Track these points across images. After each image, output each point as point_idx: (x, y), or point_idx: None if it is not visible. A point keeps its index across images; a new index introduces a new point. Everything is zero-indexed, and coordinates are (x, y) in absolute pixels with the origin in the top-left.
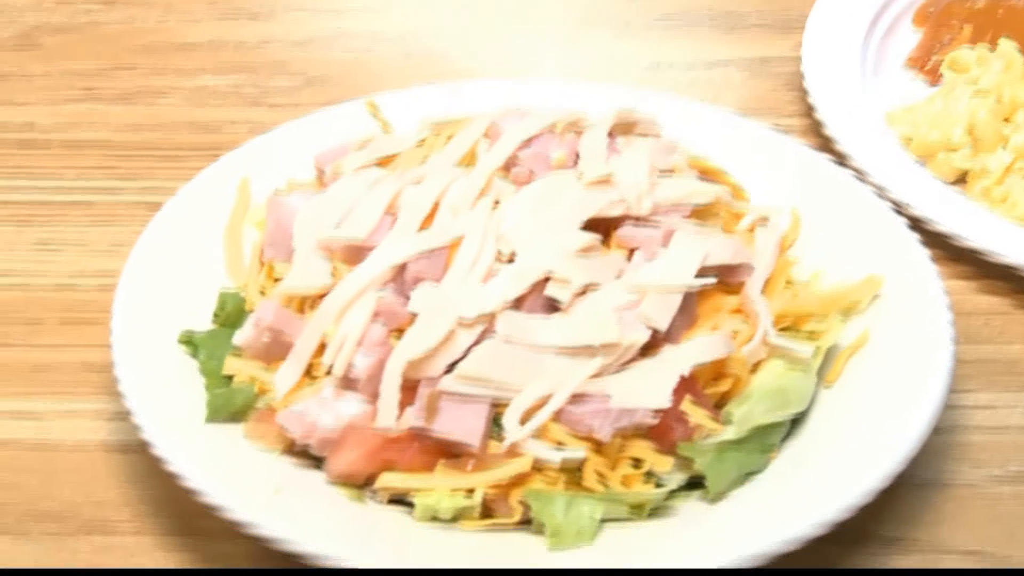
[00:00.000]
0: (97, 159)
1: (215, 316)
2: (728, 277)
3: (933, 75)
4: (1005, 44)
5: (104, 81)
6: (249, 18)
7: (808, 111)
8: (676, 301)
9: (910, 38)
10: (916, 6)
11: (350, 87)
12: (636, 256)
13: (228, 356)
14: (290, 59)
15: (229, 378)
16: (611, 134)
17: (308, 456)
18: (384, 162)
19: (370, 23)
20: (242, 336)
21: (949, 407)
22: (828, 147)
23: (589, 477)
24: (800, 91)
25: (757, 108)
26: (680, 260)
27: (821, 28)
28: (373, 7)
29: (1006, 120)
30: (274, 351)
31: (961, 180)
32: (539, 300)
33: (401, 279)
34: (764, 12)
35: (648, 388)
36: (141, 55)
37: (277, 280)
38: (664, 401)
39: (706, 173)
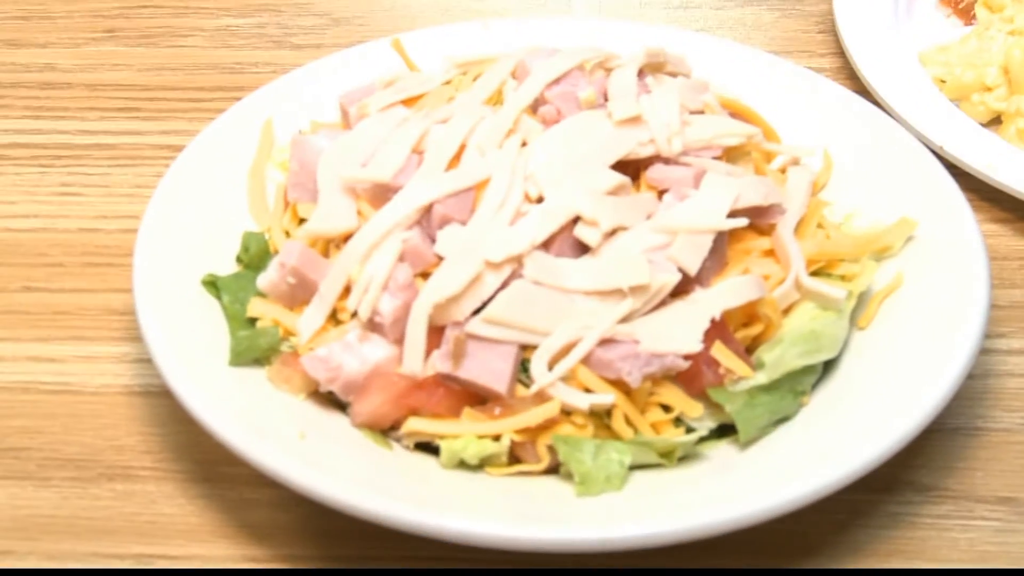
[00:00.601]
0: (119, 101)
1: (239, 258)
2: (759, 218)
3: (967, 15)
4: None
5: (126, 22)
6: None
7: (840, 51)
8: (707, 243)
9: None
10: None
11: (375, 27)
12: (666, 197)
13: (252, 299)
14: None
15: (253, 321)
16: (641, 73)
17: (333, 401)
18: (410, 101)
19: None
20: (266, 278)
21: (983, 352)
22: (860, 88)
23: (618, 422)
24: (832, 31)
25: (788, 48)
26: (711, 201)
27: None
28: None
29: None
30: (298, 294)
31: (996, 121)
32: (568, 242)
33: (427, 220)
34: None
35: (678, 332)
36: None
37: (301, 222)
38: (694, 345)
39: (737, 113)
